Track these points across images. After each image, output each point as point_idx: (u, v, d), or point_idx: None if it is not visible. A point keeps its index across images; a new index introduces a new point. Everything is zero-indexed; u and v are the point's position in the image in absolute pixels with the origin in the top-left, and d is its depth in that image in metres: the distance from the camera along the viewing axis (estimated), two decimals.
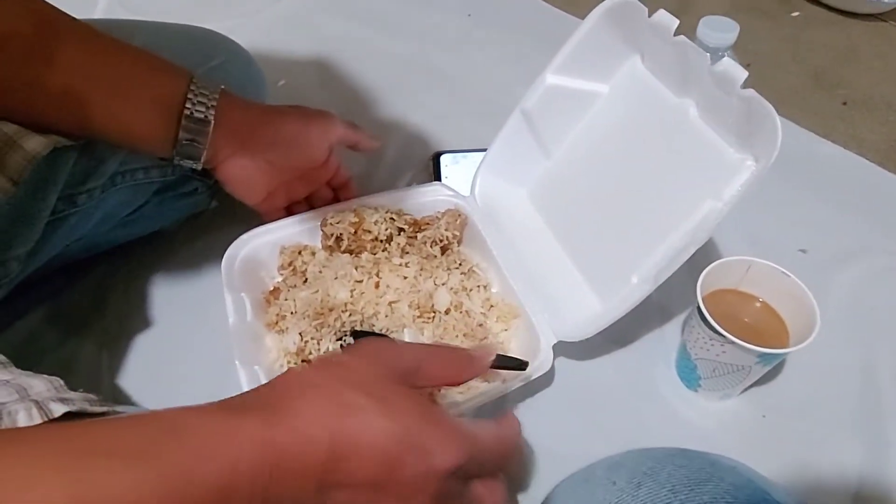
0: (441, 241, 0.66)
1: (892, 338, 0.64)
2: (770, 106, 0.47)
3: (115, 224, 0.63)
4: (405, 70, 0.95)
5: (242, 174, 0.59)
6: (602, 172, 0.63)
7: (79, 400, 0.38)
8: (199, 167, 0.56)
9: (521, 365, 0.54)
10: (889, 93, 0.91)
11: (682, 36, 0.54)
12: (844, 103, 0.89)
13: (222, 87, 0.55)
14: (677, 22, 0.54)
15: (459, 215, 0.67)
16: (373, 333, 0.59)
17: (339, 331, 0.58)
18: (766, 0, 1.06)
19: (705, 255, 0.57)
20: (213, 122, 0.53)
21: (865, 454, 0.56)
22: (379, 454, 0.34)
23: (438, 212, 0.68)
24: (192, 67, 0.55)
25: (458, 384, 0.39)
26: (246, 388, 0.49)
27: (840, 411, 0.59)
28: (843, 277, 0.69)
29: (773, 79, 0.93)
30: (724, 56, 0.60)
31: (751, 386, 0.60)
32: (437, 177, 0.77)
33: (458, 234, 0.66)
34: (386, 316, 0.60)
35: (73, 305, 0.67)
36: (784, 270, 0.55)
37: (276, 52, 0.96)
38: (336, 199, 0.68)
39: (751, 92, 0.48)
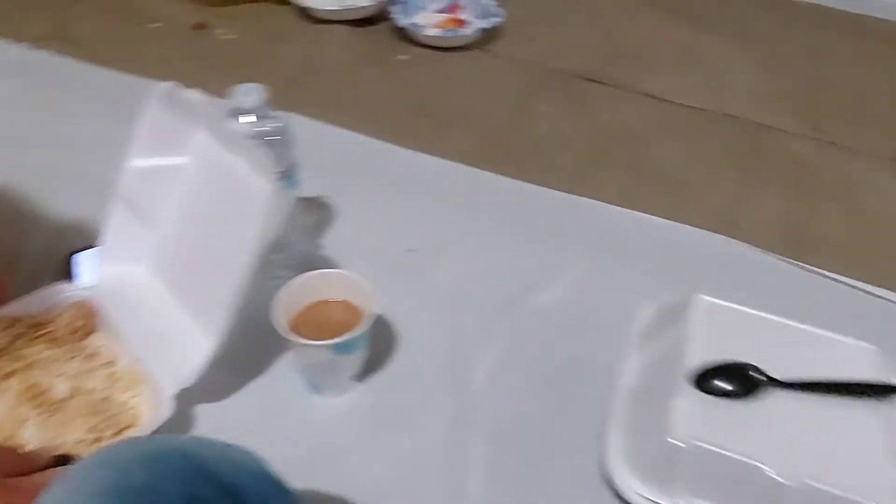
0: (70, 332, 0.69)
1: (476, 305, 0.79)
2: (256, 148, 0.58)
3: None
4: (50, 178, 0.96)
5: None
6: (195, 232, 0.71)
7: None
8: None
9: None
10: (473, 109, 1.12)
11: (207, 108, 0.64)
12: (442, 124, 1.08)
13: None
14: (202, 97, 0.65)
15: (84, 306, 0.71)
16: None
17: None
18: (378, 51, 1.24)
19: None
20: None
21: (452, 402, 0.69)
22: None
23: (64, 307, 0.71)
24: None
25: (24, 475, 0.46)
26: None
27: (433, 374, 0.72)
28: (444, 266, 0.83)
29: (385, 114, 1.09)
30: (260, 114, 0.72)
31: (368, 374, 0.71)
32: (70, 276, 0.79)
33: (85, 322, 0.70)
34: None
35: None
36: (347, 272, 0.67)
37: None
38: None
39: (247, 140, 0.59)
